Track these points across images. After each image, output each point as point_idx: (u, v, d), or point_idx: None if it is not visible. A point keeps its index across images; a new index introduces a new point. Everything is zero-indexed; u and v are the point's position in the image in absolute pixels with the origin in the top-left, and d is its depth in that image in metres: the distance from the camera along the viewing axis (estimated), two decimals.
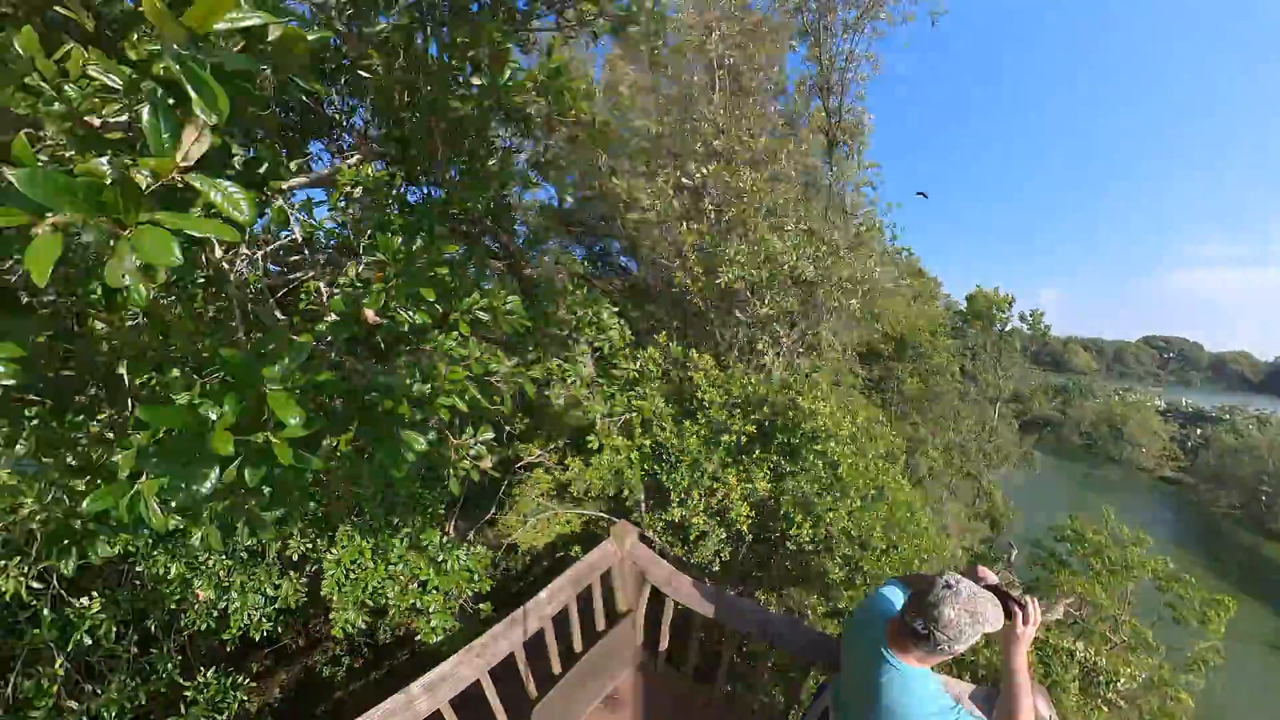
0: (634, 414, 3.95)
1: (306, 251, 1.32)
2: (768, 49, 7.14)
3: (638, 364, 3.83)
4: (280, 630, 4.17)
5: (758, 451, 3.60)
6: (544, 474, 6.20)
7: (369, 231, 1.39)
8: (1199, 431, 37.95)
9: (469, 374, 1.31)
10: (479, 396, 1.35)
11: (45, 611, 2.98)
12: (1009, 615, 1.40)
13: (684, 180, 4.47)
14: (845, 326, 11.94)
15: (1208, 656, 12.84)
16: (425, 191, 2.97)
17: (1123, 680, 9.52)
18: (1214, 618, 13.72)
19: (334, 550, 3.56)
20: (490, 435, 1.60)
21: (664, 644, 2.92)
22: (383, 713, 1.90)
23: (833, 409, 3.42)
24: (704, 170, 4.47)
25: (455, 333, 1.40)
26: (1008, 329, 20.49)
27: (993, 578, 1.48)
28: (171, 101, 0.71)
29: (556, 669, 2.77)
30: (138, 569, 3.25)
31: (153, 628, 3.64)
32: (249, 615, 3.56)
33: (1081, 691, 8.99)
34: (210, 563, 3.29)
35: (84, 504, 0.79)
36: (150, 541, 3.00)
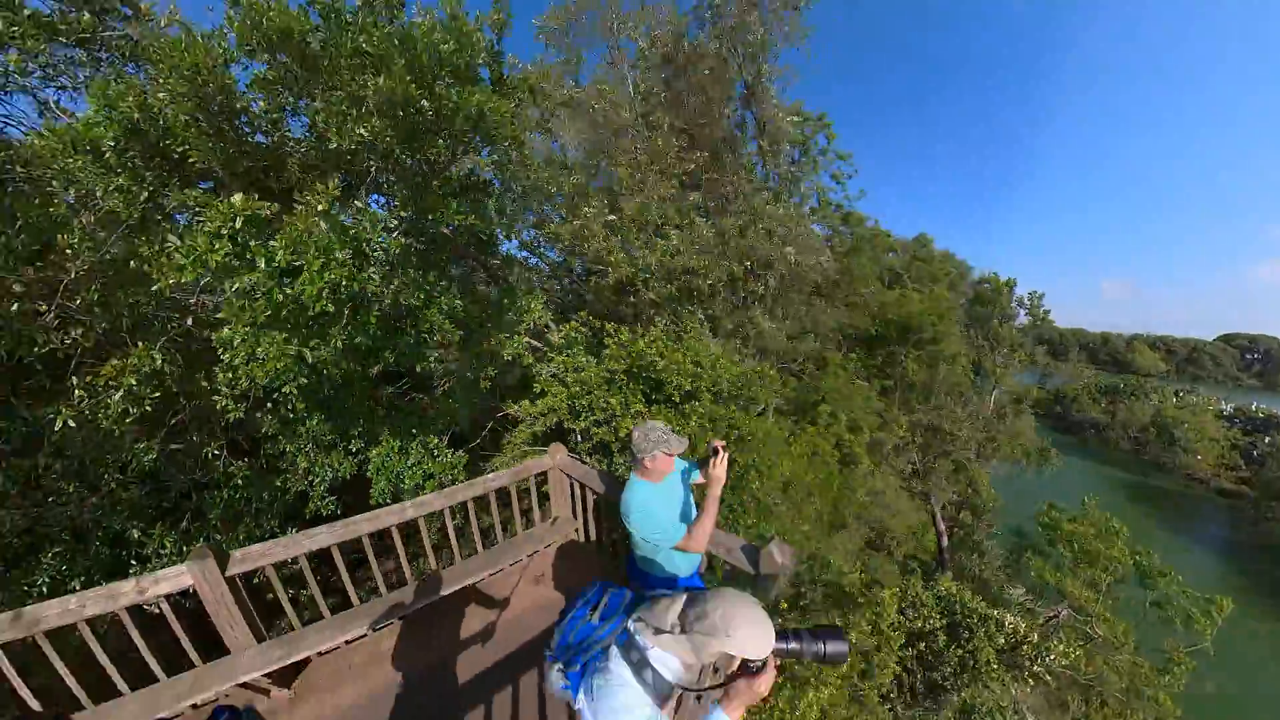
0: (561, 369, 6.32)
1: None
2: (701, 79, 9.27)
3: (560, 335, 6.19)
4: (339, 512, 6.75)
5: (633, 385, 5.80)
6: (525, 428, 8.71)
7: (399, 268, 3.80)
8: (1267, 440, 36.24)
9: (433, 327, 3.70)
10: (441, 337, 3.72)
11: (221, 466, 5.65)
12: (710, 455, 2.24)
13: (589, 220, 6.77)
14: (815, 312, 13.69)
15: (1181, 660, 13.70)
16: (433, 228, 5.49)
17: (1052, 656, 10.72)
18: (1201, 618, 14.46)
19: (377, 449, 6.10)
20: (436, 353, 4.00)
21: (593, 531, 3.97)
22: (388, 510, 3.26)
23: (663, 354, 5.53)
24: (587, 228, 6.74)
25: (431, 310, 3.76)
26: (1008, 314, 20.57)
27: (719, 444, 2.28)
28: None
29: (500, 540, 4.00)
30: (267, 450, 5.88)
31: (264, 495, 6.27)
32: (322, 491, 6.13)
33: (1002, 662, 10.24)
34: (307, 448, 5.88)
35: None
36: (279, 425, 5.60)
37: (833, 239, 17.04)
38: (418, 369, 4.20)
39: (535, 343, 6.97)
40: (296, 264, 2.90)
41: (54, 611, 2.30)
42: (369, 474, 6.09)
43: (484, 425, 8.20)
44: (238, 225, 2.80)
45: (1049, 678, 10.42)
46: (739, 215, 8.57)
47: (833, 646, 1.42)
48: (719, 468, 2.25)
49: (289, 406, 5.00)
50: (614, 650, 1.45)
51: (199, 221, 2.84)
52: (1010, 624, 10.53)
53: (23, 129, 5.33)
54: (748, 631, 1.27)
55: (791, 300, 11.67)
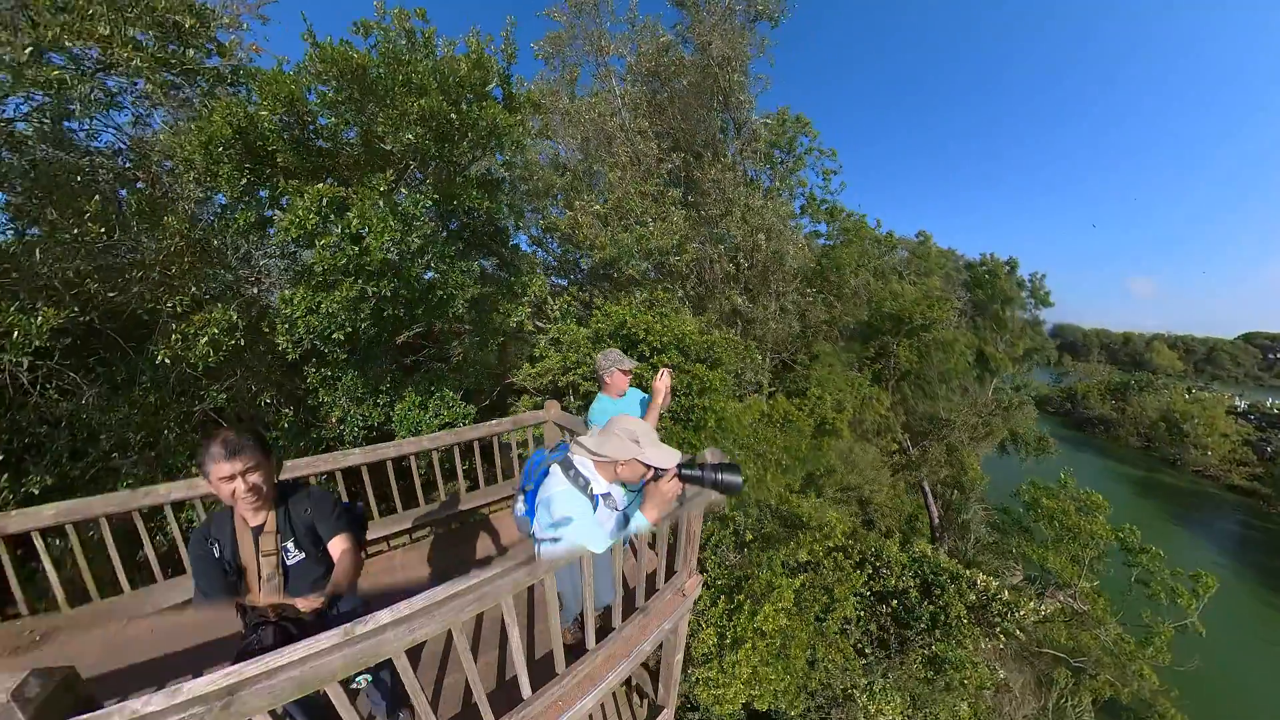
0: (558, 334, 7.62)
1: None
2: (683, 88, 10.63)
3: (556, 308, 7.52)
4: None
5: (613, 343, 7.04)
6: (528, 400, 10.01)
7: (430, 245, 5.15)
8: None
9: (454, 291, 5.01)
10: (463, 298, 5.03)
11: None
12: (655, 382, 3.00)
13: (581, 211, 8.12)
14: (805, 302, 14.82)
15: (1164, 631, 14.32)
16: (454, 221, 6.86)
17: (1023, 611, 11.45)
18: (1185, 593, 15.08)
19: (401, 403, 7.39)
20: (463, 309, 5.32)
21: None
22: (408, 441, 4.06)
23: (635, 316, 6.78)
24: (578, 217, 8.10)
25: (454, 273, 5.06)
26: (1008, 297, 21.00)
27: (666, 368, 3.05)
28: None
29: (500, 481, 4.90)
30: (309, 403, 7.21)
31: (301, 444, 7.59)
32: (350, 439, 7.43)
33: (972, 619, 10.96)
34: (343, 400, 7.19)
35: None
36: (320, 380, 6.91)
37: (830, 231, 18.07)
38: (441, 327, 5.48)
39: (539, 324, 8.32)
40: (362, 231, 4.22)
41: (154, 495, 3.14)
42: (394, 424, 7.38)
43: (492, 394, 9.52)
44: (324, 203, 4.12)
45: (1020, 633, 11.13)
46: (715, 205, 9.84)
47: (727, 476, 1.85)
48: (660, 381, 2.99)
49: (334, 356, 6.32)
50: (554, 466, 2.04)
51: (285, 203, 4.21)
52: (982, 582, 11.19)
53: (115, 135, 6.80)
54: (646, 439, 1.92)
55: (773, 286, 12.86)
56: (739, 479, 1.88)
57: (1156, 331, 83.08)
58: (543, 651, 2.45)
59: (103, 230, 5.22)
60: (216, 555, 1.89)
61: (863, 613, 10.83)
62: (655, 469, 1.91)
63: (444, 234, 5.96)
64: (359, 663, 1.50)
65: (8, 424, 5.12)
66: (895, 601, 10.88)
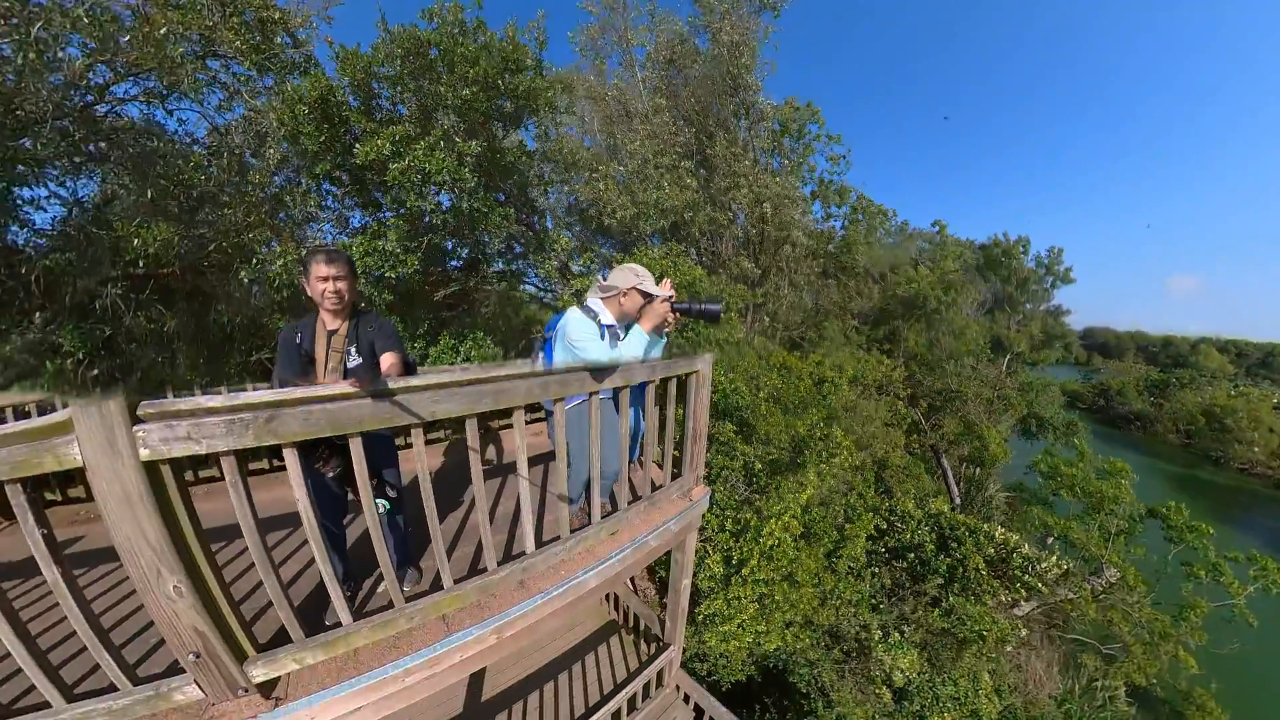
0: (583, 287, 8.51)
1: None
2: (697, 74, 11.68)
3: (580, 263, 8.48)
4: None
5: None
6: None
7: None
8: None
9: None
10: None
11: None
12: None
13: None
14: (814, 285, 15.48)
15: (1198, 604, 13.74)
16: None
17: (1044, 564, 11.28)
18: (1228, 571, 14.42)
19: (435, 347, 8.34)
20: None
21: None
22: (440, 368, 5.78)
23: (643, 258, 7.58)
24: (598, 186, 9.12)
25: (493, 216, 6.18)
26: (1021, 275, 20.91)
27: (667, 279, 2.82)
28: None
29: None
30: None
31: None
32: None
33: (994, 574, 10.84)
34: None
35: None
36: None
37: (846, 216, 18.63)
38: (474, 285, 6.51)
39: (561, 283, 9.28)
40: (425, 166, 5.34)
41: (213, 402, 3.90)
42: (429, 361, 8.32)
43: (517, 346, 10.44)
44: (396, 138, 5.28)
45: (1043, 587, 10.92)
46: (724, 178, 10.77)
47: (709, 305, 2.21)
48: (664, 288, 3.53)
49: (380, 301, 7.38)
50: (571, 308, 2.52)
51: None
52: (1000, 535, 11.05)
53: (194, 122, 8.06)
54: (645, 275, 2.42)
55: (784, 263, 13.60)
56: (718, 306, 2.18)
57: (1203, 335, 79.44)
58: (550, 536, 2.54)
59: (202, 178, 6.40)
60: (297, 342, 2.27)
61: (877, 568, 10.98)
62: (651, 295, 2.36)
63: (484, 186, 7.12)
64: (386, 419, 1.57)
65: (105, 343, 6.23)
66: (911, 555, 10.92)
